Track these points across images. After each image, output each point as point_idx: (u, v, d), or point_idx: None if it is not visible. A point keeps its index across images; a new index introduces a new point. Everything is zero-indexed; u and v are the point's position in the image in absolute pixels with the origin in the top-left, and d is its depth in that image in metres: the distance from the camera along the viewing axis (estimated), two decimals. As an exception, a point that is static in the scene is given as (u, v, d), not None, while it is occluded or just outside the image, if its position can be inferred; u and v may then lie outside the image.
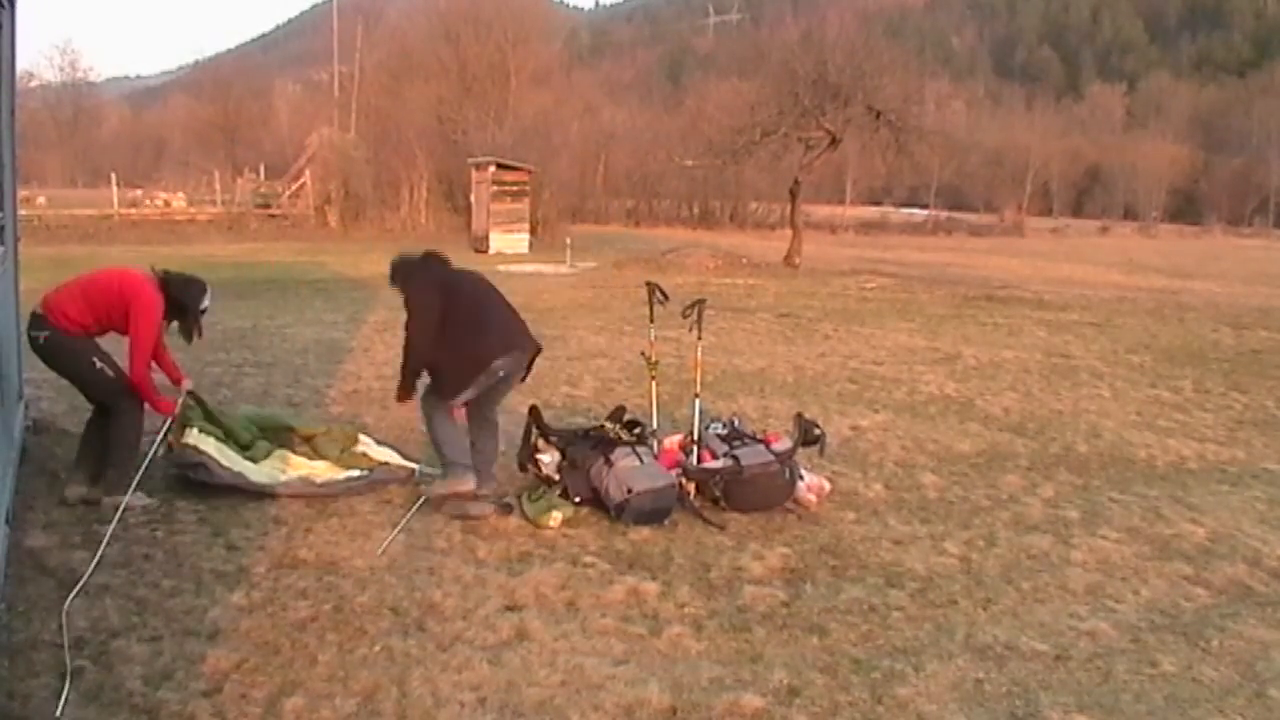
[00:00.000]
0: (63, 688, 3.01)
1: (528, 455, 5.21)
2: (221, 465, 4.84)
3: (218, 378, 7.54)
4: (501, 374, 4.81)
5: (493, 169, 24.53)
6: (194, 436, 4.88)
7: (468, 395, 4.77)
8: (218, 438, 4.98)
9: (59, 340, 4.57)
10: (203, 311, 4.89)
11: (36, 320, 4.59)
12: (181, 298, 4.78)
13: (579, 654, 3.45)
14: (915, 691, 3.31)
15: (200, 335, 4.95)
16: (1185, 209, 69.14)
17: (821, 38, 25.40)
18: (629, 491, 4.72)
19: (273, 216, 30.64)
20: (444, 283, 4.83)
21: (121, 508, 4.38)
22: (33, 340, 4.61)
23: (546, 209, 29.29)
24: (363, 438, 5.58)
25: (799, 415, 5.53)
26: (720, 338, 10.86)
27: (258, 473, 4.97)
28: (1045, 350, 11.14)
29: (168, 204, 32.81)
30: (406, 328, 4.75)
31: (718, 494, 4.98)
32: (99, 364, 4.62)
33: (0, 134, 5.06)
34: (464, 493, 4.81)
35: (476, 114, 34.22)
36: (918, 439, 6.75)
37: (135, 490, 4.55)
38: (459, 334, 4.68)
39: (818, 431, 5.34)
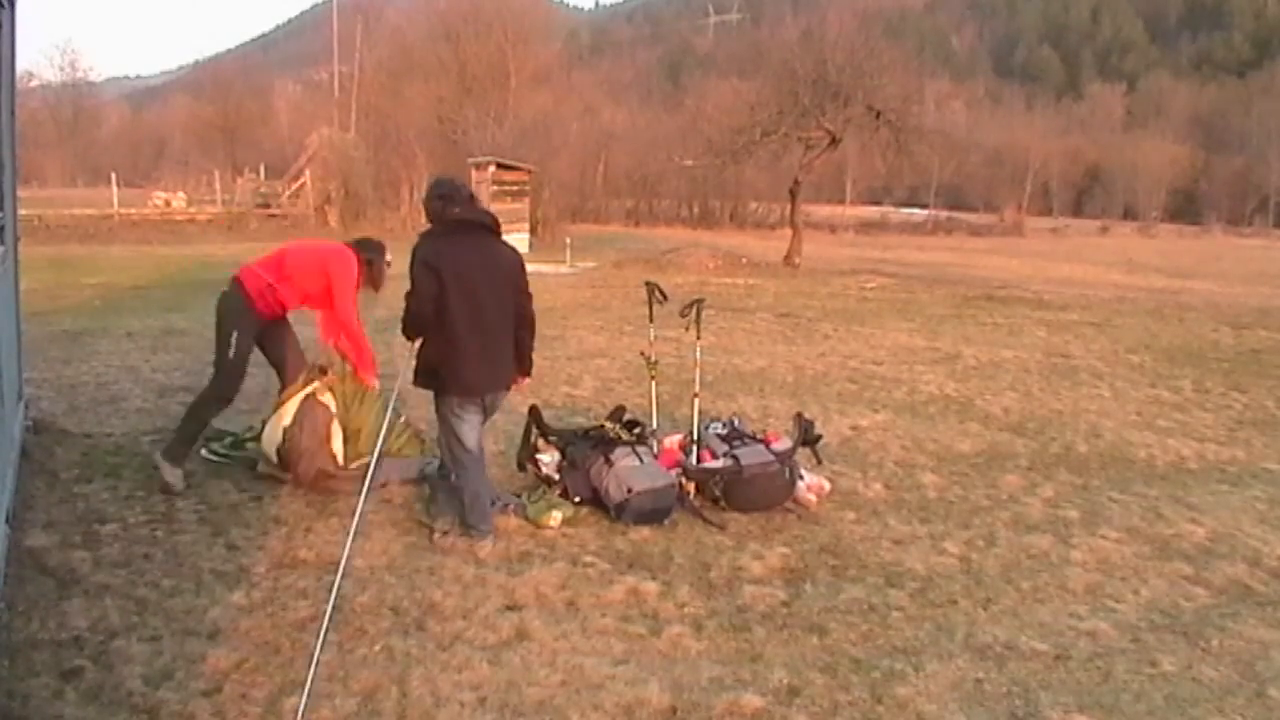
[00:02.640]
0: (63, 687, 3.02)
1: (528, 455, 5.21)
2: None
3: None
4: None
5: (493, 169, 24.52)
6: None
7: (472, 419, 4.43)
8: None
9: (229, 296, 4.89)
10: (387, 264, 5.20)
11: (231, 279, 4.93)
12: (368, 254, 5.14)
13: (579, 654, 3.45)
14: (915, 691, 3.31)
15: (382, 285, 5.22)
16: (1185, 209, 69.16)
17: (821, 38, 25.36)
18: (629, 491, 4.72)
19: (273, 216, 30.64)
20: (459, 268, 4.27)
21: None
22: (222, 293, 4.96)
23: (546, 209, 29.30)
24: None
25: (799, 415, 5.53)
26: (720, 338, 10.86)
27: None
28: (1045, 350, 11.14)
29: (168, 204, 32.80)
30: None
31: (718, 494, 4.98)
32: (234, 338, 4.85)
33: (0, 134, 5.05)
34: (483, 555, 4.30)
35: (476, 114, 34.21)
36: (918, 439, 6.75)
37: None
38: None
39: (817, 433, 5.35)
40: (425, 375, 4.37)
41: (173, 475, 4.84)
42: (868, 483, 5.65)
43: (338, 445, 4.94)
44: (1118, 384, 9.22)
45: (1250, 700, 3.38)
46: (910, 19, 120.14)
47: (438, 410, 4.44)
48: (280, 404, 5.01)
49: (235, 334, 4.87)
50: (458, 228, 4.33)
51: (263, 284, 4.92)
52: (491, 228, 4.40)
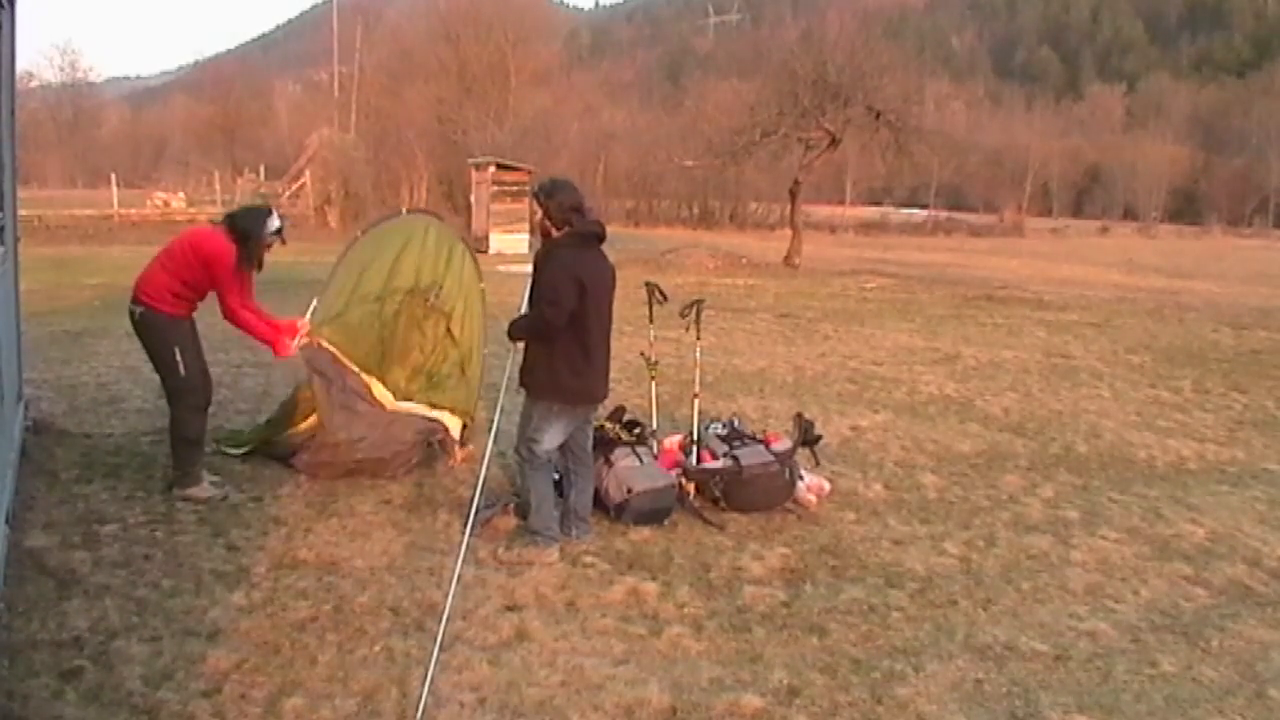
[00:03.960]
0: (63, 687, 3.02)
1: (528, 455, 5.20)
2: (348, 365, 5.14)
3: (218, 378, 7.48)
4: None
5: (492, 169, 24.53)
6: (325, 335, 5.15)
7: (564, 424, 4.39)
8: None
9: (151, 318, 4.71)
10: (275, 232, 4.94)
11: (133, 297, 4.75)
12: (245, 227, 4.84)
13: (579, 654, 3.45)
14: (915, 691, 3.31)
15: (260, 267, 4.98)
16: (1185, 209, 69.09)
17: (821, 38, 25.39)
18: (629, 491, 4.72)
19: (272, 216, 30.60)
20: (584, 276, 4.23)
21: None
22: (130, 315, 4.76)
23: (547, 209, 29.26)
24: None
25: (799, 416, 5.53)
26: (720, 338, 10.86)
27: (379, 389, 5.23)
28: (1045, 350, 11.14)
29: (168, 204, 32.80)
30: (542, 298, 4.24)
31: (718, 494, 4.98)
32: (179, 355, 4.74)
33: (0, 134, 5.05)
34: (548, 563, 4.26)
35: (476, 114, 34.24)
36: (918, 439, 6.75)
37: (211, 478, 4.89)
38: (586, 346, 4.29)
39: (817, 434, 5.35)
40: (547, 385, 4.31)
41: (206, 491, 4.77)
42: (868, 483, 5.65)
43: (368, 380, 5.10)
44: (1118, 384, 9.22)
45: (1250, 700, 3.38)
46: (910, 19, 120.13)
47: (534, 411, 4.37)
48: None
49: (178, 351, 4.73)
50: (589, 239, 4.37)
51: (169, 290, 4.70)
52: (604, 237, 4.45)
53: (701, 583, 4.14)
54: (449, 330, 5.41)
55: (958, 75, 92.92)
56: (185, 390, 4.80)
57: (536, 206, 4.41)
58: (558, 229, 4.31)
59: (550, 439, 4.37)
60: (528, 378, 4.36)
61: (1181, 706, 3.32)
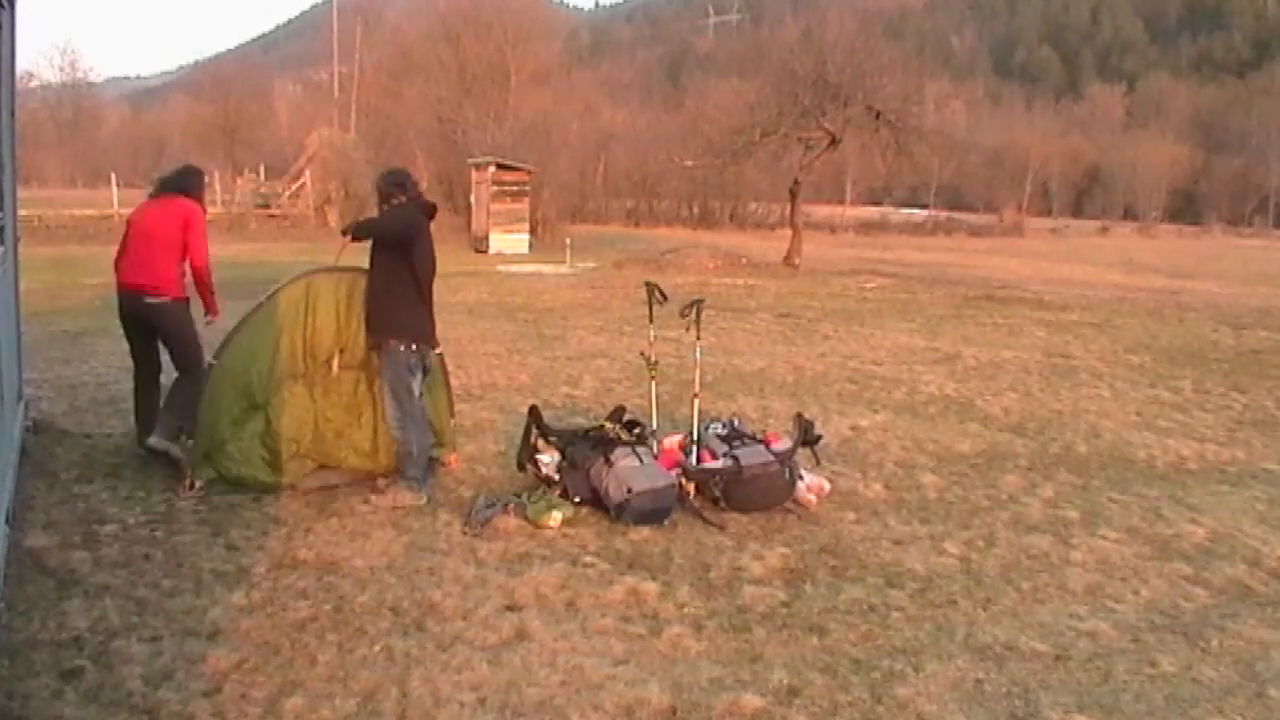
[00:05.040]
0: (63, 687, 3.02)
1: (528, 455, 5.21)
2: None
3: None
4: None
5: (492, 169, 24.52)
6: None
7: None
8: None
9: (174, 307, 5.17)
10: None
11: (139, 291, 5.11)
12: (191, 183, 5.39)
13: (579, 654, 3.45)
14: (915, 691, 3.31)
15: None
16: (1185, 209, 69.08)
17: (821, 38, 25.41)
18: (629, 491, 4.72)
19: (273, 217, 30.63)
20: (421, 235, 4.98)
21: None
22: (146, 309, 5.14)
23: (546, 209, 29.29)
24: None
25: (799, 415, 5.53)
26: (720, 338, 10.86)
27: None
28: (1045, 350, 11.14)
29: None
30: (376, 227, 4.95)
31: (718, 494, 4.98)
32: (198, 338, 5.27)
33: (0, 134, 5.05)
34: (408, 506, 4.82)
35: (476, 114, 34.22)
36: (918, 439, 6.75)
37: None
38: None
39: (817, 433, 5.35)
40: (408, 327, 4.91)
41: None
42: (868, 483, 5.65)
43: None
44: (1118, 384, 9.21)
45: (1250, 700, 3.38)
46: (910, 19, 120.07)
47: (392, 367, 4.87)
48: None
49: (195, 331, 5.24)
50: (424, 207, 5.14)
51: (178, 276, 5.16)
52: (433, 214, 5.21)
53: (701, 583, 4.14)
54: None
55: (958, 75, 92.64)
56: (201, 367, 5.07)
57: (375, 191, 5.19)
58: (385, 201, 5.04)
59: (415, 384, 4.91)
60: (395, 325, 4.86)
61: (1181, 706, 3.32)
